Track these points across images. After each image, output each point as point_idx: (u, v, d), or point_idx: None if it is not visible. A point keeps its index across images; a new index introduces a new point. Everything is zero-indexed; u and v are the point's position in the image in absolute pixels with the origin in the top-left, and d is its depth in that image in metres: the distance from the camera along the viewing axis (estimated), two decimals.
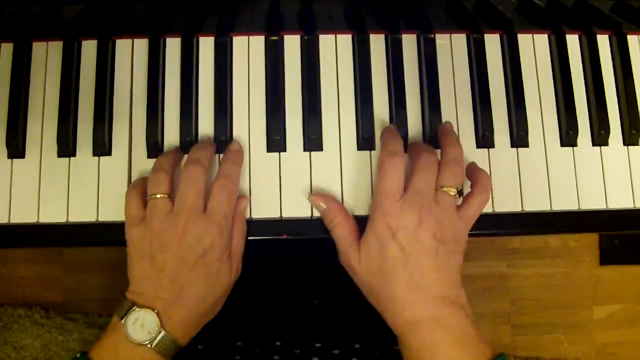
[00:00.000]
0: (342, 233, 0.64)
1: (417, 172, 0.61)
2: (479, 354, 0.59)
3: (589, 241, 1.66)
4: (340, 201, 0.66)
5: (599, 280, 1.66)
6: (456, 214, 0.62)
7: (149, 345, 0.59)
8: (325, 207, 0.65)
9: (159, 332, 0.59)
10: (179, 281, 0.60)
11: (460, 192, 0.63)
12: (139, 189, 0.64)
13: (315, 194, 0.66)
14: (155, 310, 0.59)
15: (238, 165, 0.66)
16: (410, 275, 0.59)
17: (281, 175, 0.67)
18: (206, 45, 0.70)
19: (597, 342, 1.65)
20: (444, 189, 0.61)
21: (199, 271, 0.61)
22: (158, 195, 0.62)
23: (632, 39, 0.72)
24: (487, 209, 0.67)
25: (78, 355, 0.60)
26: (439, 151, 0.65)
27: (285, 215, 0.66)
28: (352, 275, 0.64)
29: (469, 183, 0.66)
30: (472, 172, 0.65)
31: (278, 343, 0.76)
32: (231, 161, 0.65)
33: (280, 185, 0.67)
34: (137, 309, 0.59)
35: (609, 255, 1.65)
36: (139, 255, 0.62)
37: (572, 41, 0.72)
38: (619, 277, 1.66)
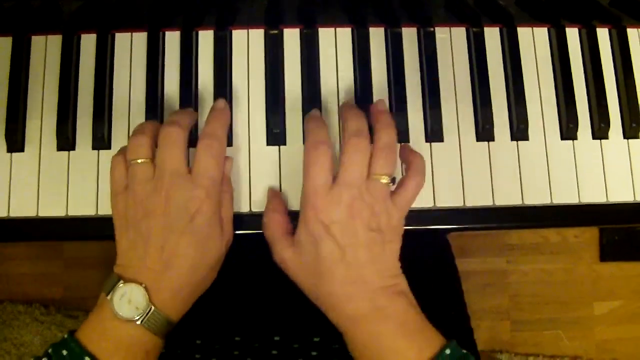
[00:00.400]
0: (275, 230, 0.62)
1: (346, 162, 0.58)
2: (426, 341, 0.57)
3: (589, 237, 1.66)
4: None
5: (599, 276, 1.66)
6: (390, 200, 0.59)
7: (138, 322, 0.56)
8: (268, 198, 0.64)
9: (148, 307, 0.56)
10: (167, 250, 0.57)
11: (393, 180, 0.59)
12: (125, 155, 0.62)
13: (272, 188, 0.65)
14: (143, 285, 0.56)
15: (224, 124, 0.63)
16: (348, 269, 0.57)
17: (281, 168, 0.67)
18: (205, 39, 0.70)
19: (597, 338, 1.65)
20: (376, 176, 0.58)
21: (187, 238, 0.57)
22: (139, 161, 0.59)
23: (631, 33, 0.72)
24: (487, 202, 0.67)
25: (65, 335, 0.57)
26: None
27: (287, 206, 0.66)
28: (287, 272, 0.61)
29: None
30: (407, 155, 0.63)
31: (277, 338, 0.76)
32: (216, 119, 0.62)
33: (280, 179, 0.67)
34: (123, 284, 0.56)
35: (609, 251, 1.65)
36: (123, 225, 0.59)
37: (572, 35, 0.72)
38: (619, 274, 1.66)
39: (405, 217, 0.61)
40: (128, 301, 0.56)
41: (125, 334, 0.56)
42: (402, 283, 0.60)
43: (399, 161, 0.65)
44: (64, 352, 0.56)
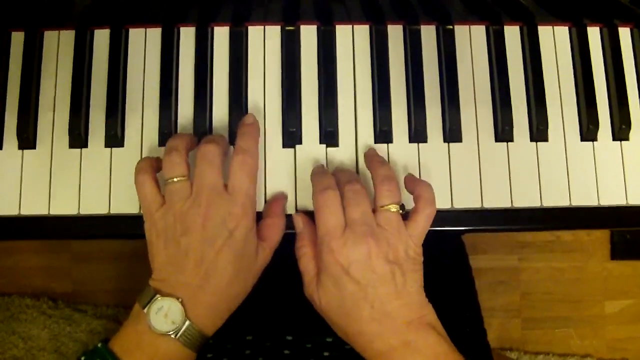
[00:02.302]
0: (307, 265, 0.63)
1: (348, 205, 0.60)
2: None
3: (601, 235, 1.65)
4: None
5: (610, 274, 1.65)
6: (405, 230, 0.60)
7: (173, 336, 0.57)
8: (300, 230, 0.64)
9: (184, 322, 0.57)
10: (204, 265, 0.58)
11: (402, 207, 0.61)
12: (150, 171, 0.62)
13: (299, 213, 0.65)
14: (180, 299, 0.57)
15: (255, 139, 0.64)
16: (372, 307, 0.58)
17: (296, 167, 0.66)
18: (221, 35, 0.69)
19: (608, 337, 1.64)
20: (384, 207, 0.60)
21: (225, 253, 0.59)
22: (175, 179, 0.60)
23: None
24: (505, 204, 0.66)
25: (99, 345, 0.58)
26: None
27: (300, 208, 0.66)
28: (316, 310, 0.62)
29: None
30: (414, 186, 0.63)
31: (289, 337, 0.76)
32: (247, 135, 0.63)
33: (295, 178, 0.66)
34: (160, 298, 0.57)
35: (620, 250, 1.64)
36: (162, 241, 0.60)
37: (593, 34, 0.71)
38: (631, 272, 1.65)
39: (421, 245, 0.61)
40: (164, 315, 0.57)
41: (160, 347, 0.57)
42: (430, 314, 0.60)
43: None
44: None
